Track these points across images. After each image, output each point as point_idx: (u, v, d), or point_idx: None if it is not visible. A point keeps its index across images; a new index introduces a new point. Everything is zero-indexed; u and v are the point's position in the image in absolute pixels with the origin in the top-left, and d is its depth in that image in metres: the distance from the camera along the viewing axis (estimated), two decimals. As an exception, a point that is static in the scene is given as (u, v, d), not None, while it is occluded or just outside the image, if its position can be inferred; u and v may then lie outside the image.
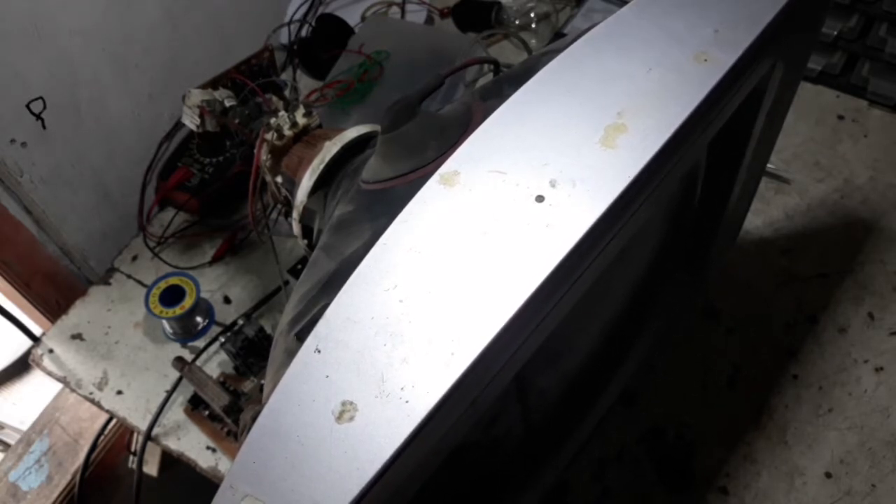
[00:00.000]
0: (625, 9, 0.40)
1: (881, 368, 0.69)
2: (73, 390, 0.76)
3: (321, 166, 0.54)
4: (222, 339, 0.71)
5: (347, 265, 0.41)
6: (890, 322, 0.72)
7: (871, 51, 0.83)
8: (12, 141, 0.69)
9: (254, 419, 0.31)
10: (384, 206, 0.44)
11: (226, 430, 0.70)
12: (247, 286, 0.80)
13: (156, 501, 1.10)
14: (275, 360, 0.41)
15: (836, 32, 0.83)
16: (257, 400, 0.68)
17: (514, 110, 0.36)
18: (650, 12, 0.39)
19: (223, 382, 0.71)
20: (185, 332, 0.76)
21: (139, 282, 0.82)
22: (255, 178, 0.60)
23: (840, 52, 0.86)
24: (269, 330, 0.73)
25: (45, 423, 1.00)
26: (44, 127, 0.72)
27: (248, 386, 0.71)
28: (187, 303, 0.73)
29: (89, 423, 1.00)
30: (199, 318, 0.76)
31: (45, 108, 0.71)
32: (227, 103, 0.63)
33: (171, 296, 0.74)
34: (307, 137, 0.58)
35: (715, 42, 0.37)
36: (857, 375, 0.69)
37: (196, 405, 0.72)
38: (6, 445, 1.06)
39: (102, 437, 1.00)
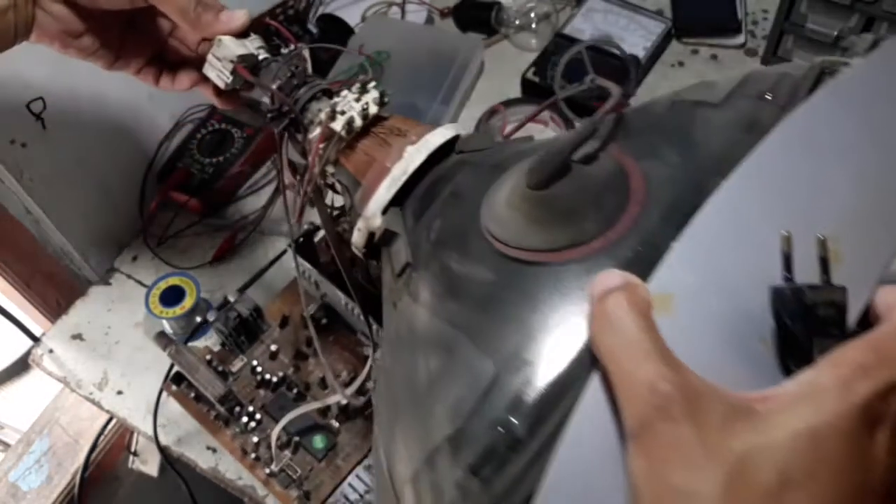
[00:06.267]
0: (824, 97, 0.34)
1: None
2: (73, 390, 0.76)
3: (404, 177, 0.45)
4: (211, 318, 0.70)
5: (515, 371, 0.32)
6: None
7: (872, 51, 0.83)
8: (12, 141, 0.69)
9: None
10: (538, 288, 0.35)
11: (214, 414, 0.68)
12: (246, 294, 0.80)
13: (156, 501, 1.10)
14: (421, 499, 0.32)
15: (836, 32, 0.83)
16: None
17: (717, 220, 0.30)
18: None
19: (209, 361, 0.70)
20: (186, 332, 0.76)
21: (139, 282, 0.82)
22: (312, 168, 0.49)
23: (840, 51, 0.86)
24: (263, 308, 0.72)
25: (45, 423, 1.00)
26: (44, 127, 0.71)
27: (236, 365, 0.70)
28: (187, 303, 0.73)
29: (89, 423, 1.00)
30: (199, 319, 0.76)
31: (44, 108, 0.71)
32: (261, 55, 0.51)
33: (172, 296, 0.74)
34: (375, 129, 0.48)
35: None
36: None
37: (178, 382, 0.70)
38: (6, 445, 1.06)
39: (102, 437, 1.00)
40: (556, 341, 0.31)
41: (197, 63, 0.53)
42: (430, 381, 0.34)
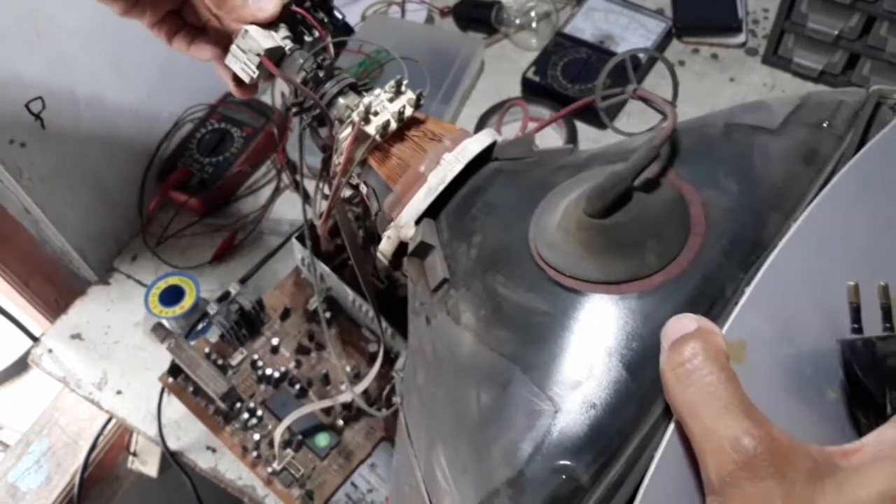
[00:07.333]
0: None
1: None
2: (72, 390, 0.75)
3: (441, 186, 0.43)
4: (212, 312, 0.69)
5: (576, 413, 0.30)
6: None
7: (872, 50, 0.83)
8: (11, 141, 0.69)
9: None
10: (598, 323, 0.33)
11: (213, 409, 0.68)
12: (247, 286, 0.80)
13: (155, 502, 1.10)
14: None
15: (836, 32, 0.83)
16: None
17: (786, 265, 0.29)
18: None
19: (208, 355, 0.70)
20: (186, 332, 0.76)
21: (139, 282, 0.82)
22: (342, 174, 0.46)
23: (841, 51, 0.86)
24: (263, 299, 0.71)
25: (44, 423, 1.00)
26: (43, 127, 0.71)
27: (236, 358, 0.70)
28: (187, 303, 0.73)
29: (88, 423, 1.00)
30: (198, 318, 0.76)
31: (44, 107, 0.71)
32: (287, 46, 0.48)
33: (171, 296, 0.74)
34: (409, 132, 0.46)
35: None
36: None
37: (175, 375, 0.70)
38: (5, 446, 1.06)
39: (102, 438, 1.00)
40: (618, 383, 0.30)
41: (218, 36, 0.51)
42: (484, 416, 0.33)
